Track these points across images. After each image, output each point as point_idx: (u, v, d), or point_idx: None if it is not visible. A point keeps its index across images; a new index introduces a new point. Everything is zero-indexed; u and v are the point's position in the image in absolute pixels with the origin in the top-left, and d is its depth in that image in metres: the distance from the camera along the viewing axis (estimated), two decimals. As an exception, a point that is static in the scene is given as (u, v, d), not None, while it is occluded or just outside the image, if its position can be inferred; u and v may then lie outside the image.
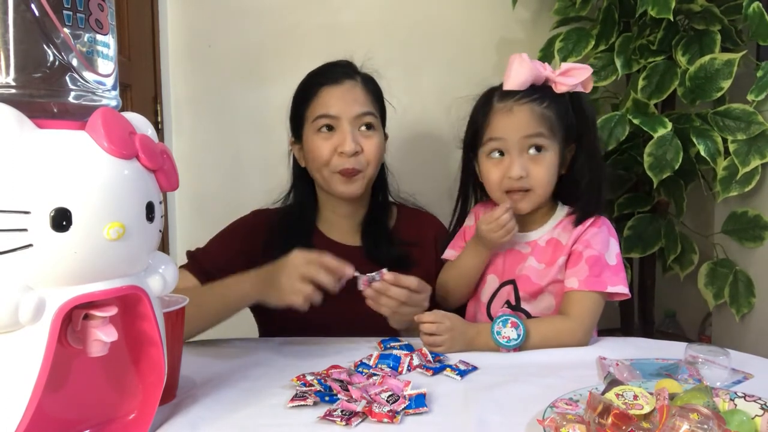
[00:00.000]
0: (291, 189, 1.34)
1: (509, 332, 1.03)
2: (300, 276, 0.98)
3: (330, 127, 1.22)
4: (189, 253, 1.26)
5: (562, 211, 1.19)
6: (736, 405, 0.73)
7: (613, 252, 1.13)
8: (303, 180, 1.31)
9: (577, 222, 1.15)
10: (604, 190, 1.20)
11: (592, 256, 1.10)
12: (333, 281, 0.99)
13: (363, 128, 1.23)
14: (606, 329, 1.71)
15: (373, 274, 1.03)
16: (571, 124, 1.14)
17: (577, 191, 1.17)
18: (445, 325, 1.03)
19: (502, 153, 1.13)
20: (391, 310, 1.05)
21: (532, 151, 1.11)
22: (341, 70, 1.27)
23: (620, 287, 1.10)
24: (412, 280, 1.05)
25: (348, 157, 1.20)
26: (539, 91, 1.12)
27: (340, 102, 1.22)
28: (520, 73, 1.11)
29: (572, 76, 1.12)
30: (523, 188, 1.13)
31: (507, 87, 1.13)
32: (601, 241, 1.12)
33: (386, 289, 1.03)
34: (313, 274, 0.98)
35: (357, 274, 1.02)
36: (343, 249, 1.27)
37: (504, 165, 1.13)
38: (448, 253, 1.26)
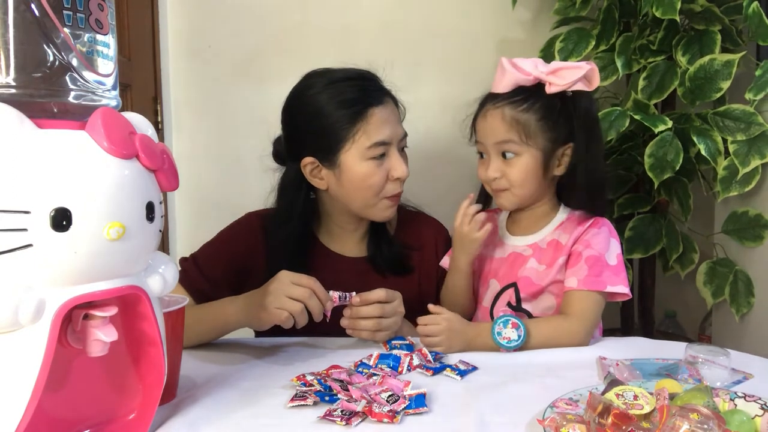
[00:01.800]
0: (288, 203, 1.24)
1: (510, 333, 1.03)
2: (286, 295, 0.99)
3: (383, 154, 1.16)
4: (182, 262, 1.23)
5: (563, 212, 1.19)
6: (736, 405, 0.73)
7: (613, 252, 1.13)
8: (305, 195, 1.24)
9: (578, 222, 1.15)
10: (605, 191, 1.19)
11: (591, 256, 1.10)
12: (319, 308, 1.00)
13: (399, 150, 1.20)
14: (606, 329, 1.71)
15: (344, 293, 1.04)
16: (561, 124, 1.13)
17: (576, 192, 1.16)
18: (441, 326, 1.03)
19: (483, 155, 1.17)
20: (371, 331, 1.04)
21: (504, 155, 1.13)
22: (375, 85, 1.19)
23: (620, 287, 1.10)
24: (379, 293, 1.04)
25: (401, 183, 1.18)
26: (524, 93, 1.12)
27: (390, 126, 1.16)
28: (502, 77, 1.13)
29: (561, 76, 1.10)
30: (500, 188, 1.16)
31: (492, 90, 1.16)
32: (601, 241, 1.12)
33: (358, 312, 1.04)
34: (299, 295, 0.99)
35: (330, 292, 1.03)
36: (346, 261, 1.26)
37: (486, 164, 1.16)
38: (445, 261, 1.26)
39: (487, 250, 1.23)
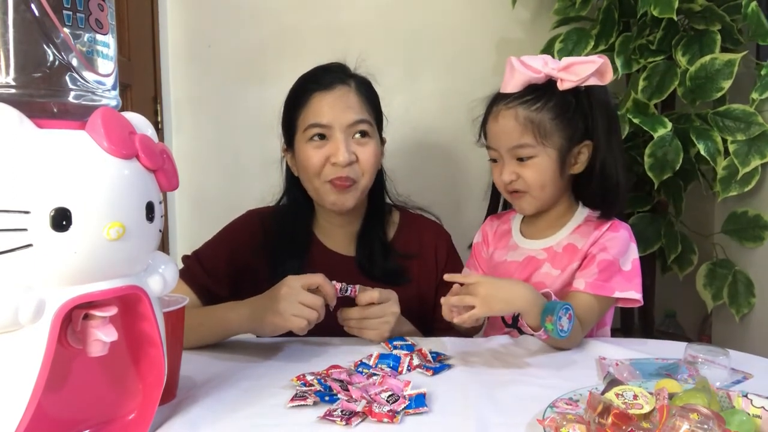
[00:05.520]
0: (284, 196, 1.31)
1: (564, 323, 0.95)
2: (299, 301, 0.99)
3: (322, 136, 1.17)
4: (184, 259, 1.24)
5: (581, 214, 1.14)
6: (751, 400, 0.71)
7: (629, 258, 1.10)
8: (297, 188, 1.27)
9: (595, 226, 1.11)
10: (624, 191, 1.12)
11: (604, 260, 1.07)
12: (323, 310, 1.01)
13: (357, 136, 1.18)
14: (606, 329, 1.72)
15: (346, 285, 1.05)
16: (577, 121, 1.09)
17: (597, 190, 1.11)
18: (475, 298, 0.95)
19: (495, 159, 1.14)
20: (357, 328, 1.06)
21: (519, 158, 1.10)
22: (333, 74, 1.21)
23: (632, 293, 1.07)
24: (372, 294, 1.05)
25: (342, 167, 1.16)
26: (536, 92, 1.08)
27: (332, 110, 1.17)
28: (511, 76, 1.09)
29: (573, 72, 1.06)
30: (517, 191, 1.12)
31: (501, 90, 1.11)
32: (618, 245, 1.08)
33: (348, 313, 1.05)
34: (312, 302, 0.99)
35: (333, 282, 1.04)
36: (340, 259, 1.26)
37: (499, 168, 1.13)
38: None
39: (503, 254, 1.20)
